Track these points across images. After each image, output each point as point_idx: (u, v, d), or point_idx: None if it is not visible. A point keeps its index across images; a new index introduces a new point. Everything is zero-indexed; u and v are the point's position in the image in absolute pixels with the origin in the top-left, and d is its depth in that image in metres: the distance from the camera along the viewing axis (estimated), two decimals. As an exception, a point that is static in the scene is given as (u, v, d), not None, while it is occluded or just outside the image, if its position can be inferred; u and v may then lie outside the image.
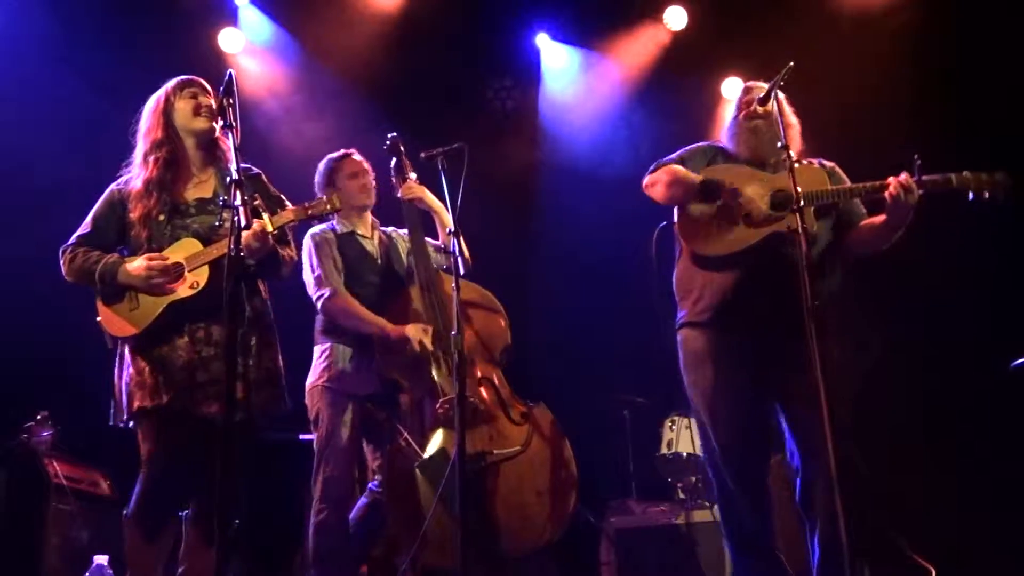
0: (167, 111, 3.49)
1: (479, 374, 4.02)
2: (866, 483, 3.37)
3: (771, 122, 3.45)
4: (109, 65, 5.77)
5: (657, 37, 6.84)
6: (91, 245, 3.44)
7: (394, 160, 4.32)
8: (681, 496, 5.32)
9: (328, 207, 3.40)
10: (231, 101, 3.08)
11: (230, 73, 3.12)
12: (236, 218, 2.88)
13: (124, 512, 3.39)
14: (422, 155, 3.94)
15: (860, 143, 3.67)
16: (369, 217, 4.38)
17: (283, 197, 3.57)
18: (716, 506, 3.73)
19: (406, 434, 3.96)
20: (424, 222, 4.36)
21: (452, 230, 3.73)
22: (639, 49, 6.88)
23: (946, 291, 5.46)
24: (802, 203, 3.12)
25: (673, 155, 3.75)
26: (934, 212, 3.49)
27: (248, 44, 6.64)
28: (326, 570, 4.00)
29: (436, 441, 3.90)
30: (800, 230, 3.08)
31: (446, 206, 3.89)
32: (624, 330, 6.13)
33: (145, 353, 3.34)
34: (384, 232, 4.41)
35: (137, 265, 3.33)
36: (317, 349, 4.21)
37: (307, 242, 4.21)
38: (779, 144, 3.27)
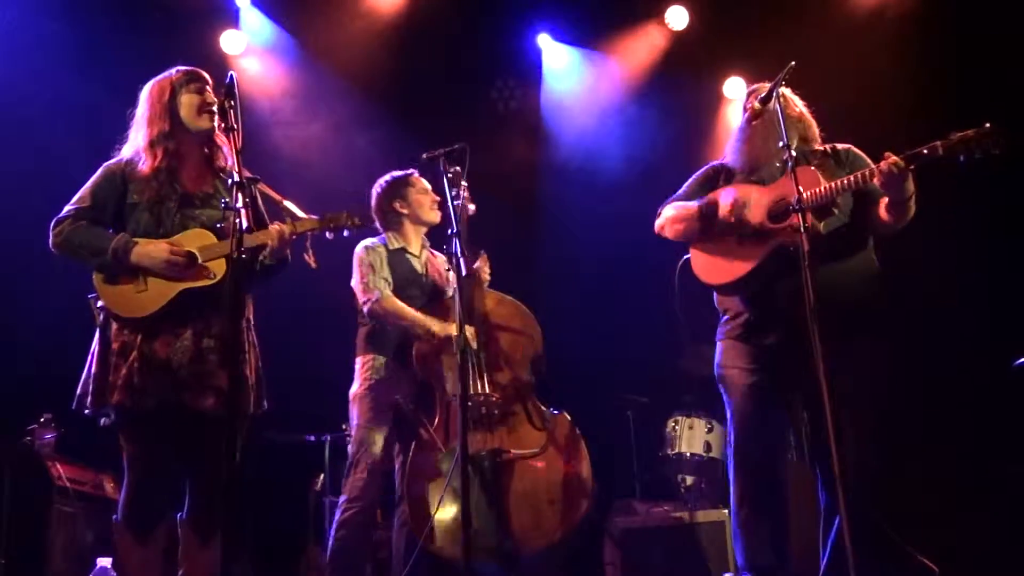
0: (172, 103, 3.43)
1: (509, 378, 4.17)
2: (879, 485, 3.38)
3: (768, 124, 3.45)
4: (111, 67, 5.77)
5: (659, 37, 6.85)
6: (88, 219, 3.35)
7: (451, 173, 4.34)
8: (685, 496, 5.31)
9: (349, 223, 3.48)
10: (233, 103, 3.08)
11: (231, 75, 3.12)
12: (237, 220, 2.88)
13: (113, 517, 3.36)
14: (424, 156, 3.95)
15: (862, 142, 3.66)
16: (422, 235, 4.53)
17: (286, 202, 3.51)
18: (726, 510, 3.75)
19: (430, 428, 4.08)
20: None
21: (455, 231, 3.76)
22: (641, 49, 6.89)
23: (947, 290, 5.46)
24: (802, 205, 3.13)
25: (678, 191, 3.82)
26: (935, 211, 3.49)
27: (250, 46, 6.64)
28: (342, 565, 4.12)
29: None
30: (802, 229, 3.09)
31: (450, 208, 3.92)
32: (627, 330, 6.14)
33: (142, 342, 3.26)
34: (432, 252, 4.55)
35: (159, 247, 3.28)
36: (359, 360, 4.38)
37: (358, 252, 4.38)
38: (780, 143, 3.28)
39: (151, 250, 3.28)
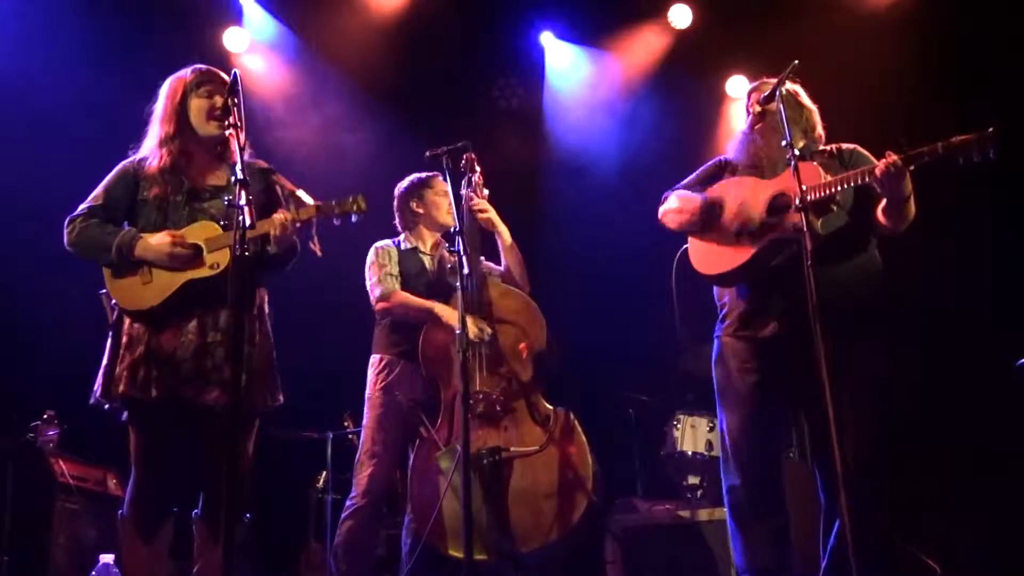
0: (183, 104, 3.46)
1: (512, 374, 4.14)
2: (880, 485, 3.38)
3: (772, 125, 3.45)
4: (114, 63, 5.78)
5: (661, 35, 6.84)
6: (100, 217, 3.41)
7: (469, 175, 4.39)
8: (687, 495, 5.32)
9: (354, 207, 3.38)
10: (236, 101, 3.08)
11: (235, 73, 3.12)
12: (240, 217, 2.88)
13: (119, 512, 3.38)
14: (427, 153, 3.96)
15: (863, 141, 3.66)
16: (437, 236, 4.55)
17: (299, 192, 3.51)
18: (726, 510, 3.75)
19: (429, 426, 4.09)
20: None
21: (457, 229, 3.77)
22: (643, 47, 6.88)
23: (948, 289, 5.46)
24: (806, 200, 3.13)
25: (683, 181, 3.82)
26: (935, 213, 3.48)
27: (253, 43, 6.65)
28: (349, 563, 4.15)
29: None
30: (804, 229, 3.09)
31: (455, 207, 3.94)
32: (629, 329, 6.14)
33: (149, 334, 3.29)
34: (445, 251, 4.52)
35: (160, 240, 3.30)
36: (374, 358, 4.42)
37: (370, 254, 4.47)
38: (783, 142, 3.28)
39: (154, 242, 3.31)
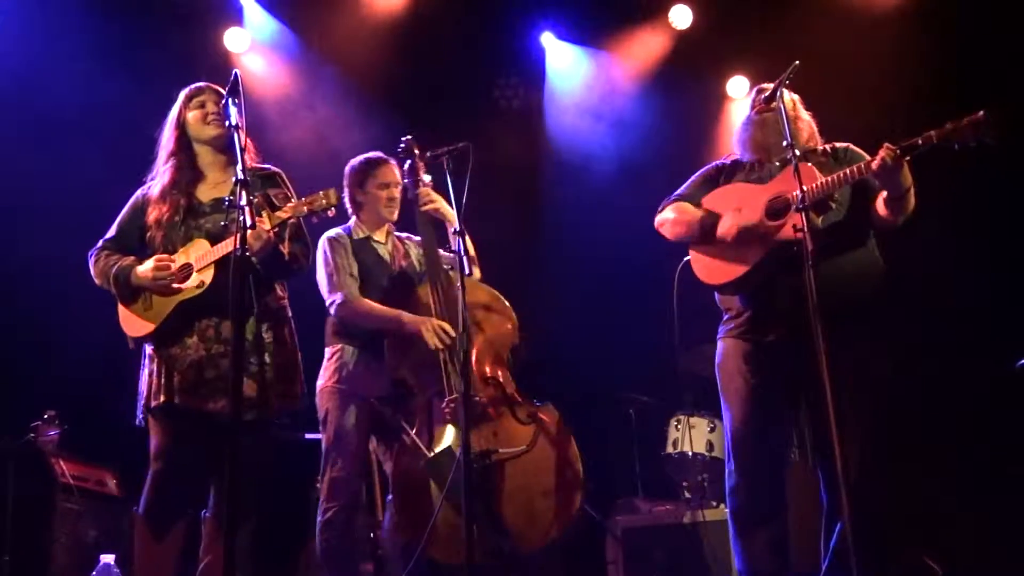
0: (179, 123, 3.59)
1: (487, 374, 4.04)
2: (882, 486, 3.38)
3: (777, 120, 3.45)
4: (114, 64, 5.78)
5: (662, 36, 6.84)
6: (114, 249, 3.55)
7: (408, 163, 4.26)
8: (687, 495, 5.32)
9: (325, 202, 3.35)
10: (237, 101, 3.09)
11: (236, 73, 3.13)
12: (241, 217, 2.89)
13: (135, 508, 3.46)
14: (428, 154, 3.95)
15: (865, 141, 3.66)
16: (387, 224, 4.35)
17: (293, 196, 3.56)
18: (727, 509, 3.74)
19: (412, 432, 3.96)
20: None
21: (458, 229, 3.74)
22: (644, 48, 6.88)
23: (948, 288, 5.45)
24: (806, 203, 3.13)
25: (680, 189, 3.80)
26: (935, 208, 3.48)
27: (253, 43, 6.65)
28: (332, 569, 4.05)
29: (443, 439, 3.92)
30: (804, 229, 3.09)
31: (453, 208, 3.90)
32: (630, 329, 6.13)
33: (158, 352, 3.43)
34: (398, 238, 4.41)
35: (146, 267, 3.42)
36: (327, 351, 4.22)
37: (322, 244, 4.19)
38: (784, 143, 3.28)
39: (141, 270, 3.43)
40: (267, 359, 3.45)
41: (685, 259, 3.78)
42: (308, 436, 5.88)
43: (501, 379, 4.05)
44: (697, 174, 3.83)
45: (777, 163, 3.58)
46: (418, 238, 4.36)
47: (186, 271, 3.39)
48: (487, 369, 4.05)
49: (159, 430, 3.41)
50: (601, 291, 6.41)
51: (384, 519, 4.26)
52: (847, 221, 3.50)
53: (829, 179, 3.35)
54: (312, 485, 6.00)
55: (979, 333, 5.36)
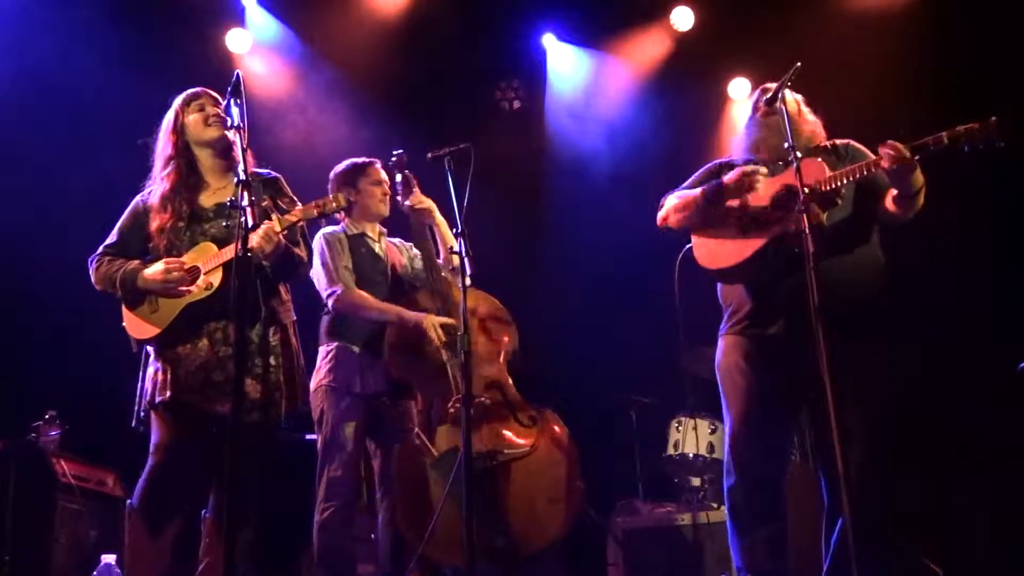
0: (177, 128, 3.57)
1: (489, 378, 4.09)
2: (883, 486, 3.38)
3: (780, 121, 3.45)
4: (116, 64, 5.79)
5: (664, 38, 6.84)
6: (116, 254, 3.54)
7: (400, 176, 4.32)
8: (688, 497, 5.32)
9: (335, 205, 3.44)
10: (239, 102, 3.10)
11: (237, 74, 3.13)
12: (243, 219, 2.89)
13: (128, 502, 3.43)
14: (429, 155, 3.95)
15: (867, 142, 3.66)
16: (378, 225, 4.43)
17: (296, 201, 3.58)
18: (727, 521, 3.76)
19: (419, 432, 4.01)
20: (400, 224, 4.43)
21: (459, 230, 3.75)
22: (645, 50, 6.89)
23: (949, 288, 5.46)
24: (808, 202, 3.14)
25: (685, 183, 3.81)
26: (938, 208, 3.48)
27: (255, 44, 6.65)
28: (329, 569, 4.04)
29: (445, 440, 3.93)
30: (806, 230, 3.09)
31: (454, 208, 3.92)
32: (631, 330, 6.14)
33: (164, 353, 3.42)
34: (390, 241, 4.47)
35: (154, 270, 3.41)
36: (322, 350, 4.23)
37: (318, 241, 4.23)
38: (786, 144, 3.28)
39: (148, 273, 3.42)
40: (272, 361, 3.45)
41: (687, 246, 3.76)
42: (308, 437, 5.89)
43: (503, 383, 4.10)
44: (700, 170, 3.83)
45: (781, 164, 3.58)
46: (409, 244, 4.42)
47: (194, 274, 3.39)
48: (489, 373, 4.09)
49: (162, 425, 3.39)
50: (602, 292, 6.41)
51: (378, 518, 4.24)
52: (851, 218, 3.49)
53: (838, 174, 3.35)
54: (311, 486, 6.01)
55: (980, 333, 5.36)
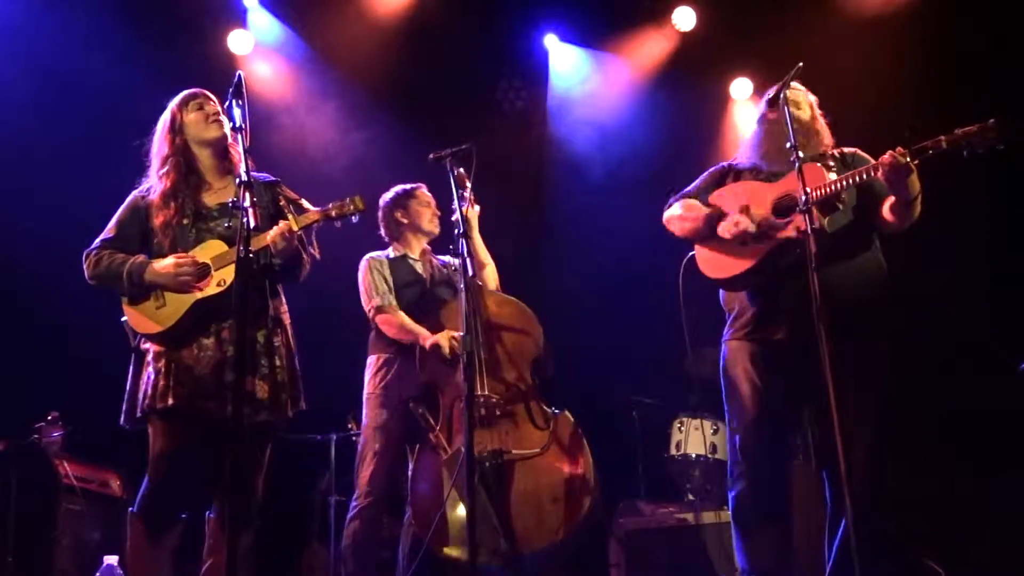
0: (175, 127, 3.54)
1: (510, 380, 4.18)
2: (886, 489, 3.38)
3: (782, 122, 3.45)
4: (117, 65, 5.79)
5: (665, 38, 6.84)
6: (114, 249, 3.49)
7: (461, 191, 4.34)
8: (690, 497, 5.31)
9: (352, 208, 3.44)
10: (240, 102, 3.10)
11: (239, 75, 3.13)
12: (245, 219, 2.89)
13: (130, 509, 3.42)
14: (430, 156, 3.97)
15: (870, 142, 3.66)
16: (424, 244, 4.67)
17: (302, 201, 3.57)
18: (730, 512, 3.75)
19: (438, 432, 4.11)
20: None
21: (461, 231, 3.78)
22: (647, 50, 6.88)
23: (951, 290, 5.45)
24: (809, 205, 3.14)
25: (689, 187, 3.81)
26: (937, 209, 3.48)
27: (257, 45, 6.65)
28: (356, 560, 4.20)
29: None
30: (808, 231, 3.10)
31: (456, 208, 3.96)
32: (633, 331, 6.13)
33: (168, 352, 3.37)
34: (434, 258, 4.66)
35: (166, 263, 3.37)
36: (370, 359, 4.52)
37: (362, 265, 4.56)
38: (788, 144, 3.29)
39: (160, 267, 3.38)
40: (278, 362, 3.45)
41: (690, 254, 3.77)
42: (309, 436, 5.90)
43: (523, 386, 4.18)
44: (705, 173, 3.84)
45: (786, 165, 3.58)
46: (451, 259, 4.57)
47: (204, 270, 3.37)
48: (510, 375, 4.18)
49: (162, 432, 3.36)
50: (604, 293, 6.41)
51: (404, 520, 4.39)
52: (853, 225, 3.50)
53: (837, 180, 3.36)
54: (315, 486, 6.02)
55: (980, 334, 5.35)
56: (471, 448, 3.45)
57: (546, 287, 6.40)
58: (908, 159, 3.23)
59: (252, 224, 2.89)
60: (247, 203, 2.91)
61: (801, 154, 3.26)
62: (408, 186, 4.67)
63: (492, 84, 7.03)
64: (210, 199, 3.53)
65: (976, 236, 5.51)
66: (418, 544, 4.06)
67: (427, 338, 4.23)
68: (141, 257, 3.43)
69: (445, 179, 3.95)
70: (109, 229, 3.55)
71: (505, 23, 6.83)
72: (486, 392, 4.08)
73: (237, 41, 6.58)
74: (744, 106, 6.87)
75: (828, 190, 3.34)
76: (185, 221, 3.46)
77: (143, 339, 3.46)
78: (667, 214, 3.80)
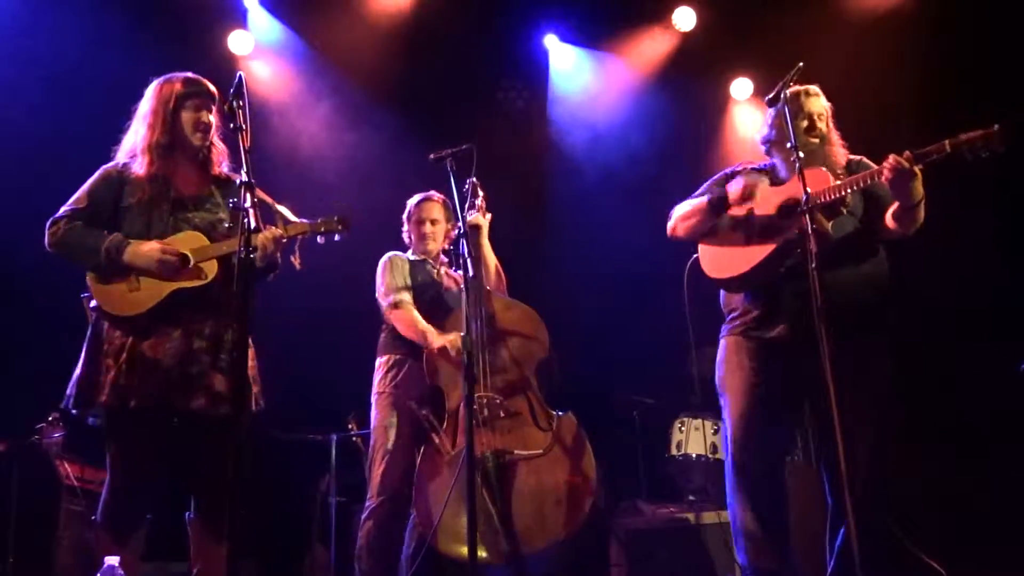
0: (173, 112, 3.49)
1: (515, 381, 4.20)
2: (886, 488, 3.38)
3: (782, 120, 3.46)
4: (117, 66, 5.79)
5: (666, 38, 6.84)
6: (84, 220, 3.39)
7: (473, 200, 4.43)
8: (691, 497, 5.31)
9: (338, 227, 3.50)
10: (241, 103, 3.09)
11: (239, 75, 3.13)
12: (246, 220, 2.89)
13: (92, 517, 3.37)
14: (431, 156, 3.97)
15: (870, 143, 3.66)
16: (438, 256, 4.66)
17: (278, 208, 3.54)
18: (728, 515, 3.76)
19: (439, 431, 4.13)
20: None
21: (462, 231, 3.78)
22: (648, 50, 6.89)
23: (952, 290, 5.45)
24: (811, 205, 3.15)
25: (694, 194, 3.82)
26: (937, 213, 3.49)
27: (257, 46, 6.66)
28: (371, 558, 4.20)
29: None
30: (809, 231, 3.10)
31: (457, 209, 3.98)
32: (634, 331, 6.14)
33: (133, 342, 3.29)
34: (450, 270, 4.66)
35: (151, 247, 3.32)
36: (379, 360, 4.51)
37: (382, 261, 4.56)
38: (788, 144, 3.29)
39: (144, 250, 3.32)
40: (249, 361, 3.35)
41: (694, 256, 3.78)
42: (309, 437, 5.90)
43: (528, 388, 4.21)
44: (709, 181, 3.85)
45: (787, 162, 3.59)
46: (460, 252, 4.52)
47: (184, 261, 3.33)
48: (515, 377, 4.21)
49: (123, 433, 3.29)
50: (604, 293, 6.41)
51: (409, 521, 4.36)
52: (858, 231, 3.51)
53: (842, 184, 3.37)
54: (316, 487, 6.02)
55: (981, 334, 5.35)
56: (471, 448, 3.46)
57: (546, 287, 6.40)
58: (913, 164, 3.24)
59: (253, 225, 2.90)
60: (248, 204, 2.91)
61: (802, 154, 3.27)
62: (418, 199, 4.66)
63: (492, 84, 7.04)
64: (187, 189, 3.50)
65: (977, 235, 5.51)
66: (422, 543, 4.06)
67: (433, 341, 4.24)
68: (120, 235, 3.36)
69: (447, 180, 3.95)
70: (79, 199, 3.44)
71: (505, 23, 6.84)
72: (490, 394, 4.09)
73: (237, 41, 6.58)
74: (744, 106, 6.88)
75: (833, 194, 3.35)
76: (165, 206, 3.42)
77: (99, 320, 3.37)
78: (671, 222, 3.80)
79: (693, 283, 3.89)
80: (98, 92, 5.76)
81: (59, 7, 5.88)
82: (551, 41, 6.97)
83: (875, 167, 3.54)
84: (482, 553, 3.69)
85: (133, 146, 3.51)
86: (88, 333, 3.42)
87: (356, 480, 4.76)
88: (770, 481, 3.54)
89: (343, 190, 6.16)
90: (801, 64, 3.31)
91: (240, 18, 6.62)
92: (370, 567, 4.20)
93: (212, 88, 3.56)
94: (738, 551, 3.58)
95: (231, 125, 3.11)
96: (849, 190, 3.36)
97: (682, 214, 3.75)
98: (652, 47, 6.88)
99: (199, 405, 3.27)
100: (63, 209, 3.43)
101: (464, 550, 3.53)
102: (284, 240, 3.41)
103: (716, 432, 5.41)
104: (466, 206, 4.28)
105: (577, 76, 7.05)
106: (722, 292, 3.78)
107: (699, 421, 5.46)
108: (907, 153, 3.26)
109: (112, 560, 3.98)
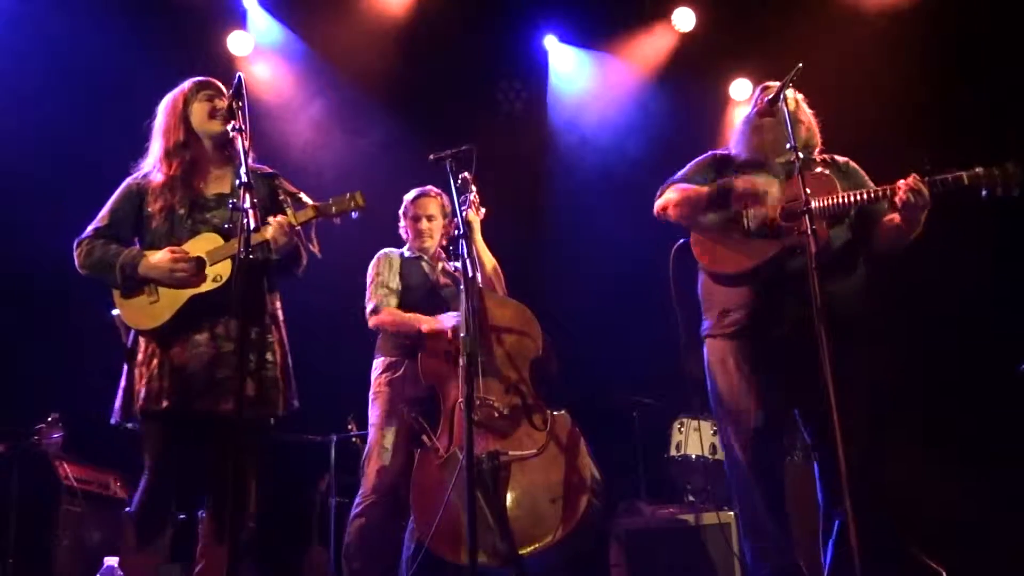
0: (185, 112, 3.50)
1: (510, 380, 4.18)
2: (884, 488, 3.38)
3: (779, 121, 3.45)
4: (117, 67, 5.79)
5: (665, 39, 6.84)
6: (107, 238, 3.43)
7: (467, 195, 4.41)
8: (690, 498, 5.31)
9: (352, 204, 3.40)
10: (240, 104, 3.10)
11: (239, 76, 3.13)
12: (245, 220, 2.89)
13: (125, 509, 3.41)
14: (431, 157, 3.96)
15: (871, 143, 3.67)
16: (435, 251, 4.61)
17: (302, 195, 3.55)
18: (732, 512, 3.75)
19: (431, 433, 4.12)
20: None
21: (461, 232, 3.77)
22: (647, 51, 6.89)
23: (952, 291, 5.45)
24: (811, 205, 3.15)
25: (677, 174, 3.79)
26: (937, 214, 3.49)
27: (257, 46, 6.66)
28: (359, 553, 4.19)
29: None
30: (809, 232, 3.10)
31: (457, 210, 3.97)
32: (633, 331, 6.13)
33: (161, 350, 3.32)
34: (446, 264, 4.62)
35: (160, 257, 3.33)
36: (376, 361, 4.51)
37: (373, 262, 4.53)
38: (788, 145, 3.29)
39: (155, 261, 3.33)
40: (269, 358, 3.41)
41: (681, 241, 3.74)
42: (308, 437, 5.90)
43: (523, 387, 4.18)
44: (694, 161, 3.83)
45: (780, 163, 3.58)
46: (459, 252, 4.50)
47: (199, 264, 3.33)
48: (510, 376, 4.18)
49: (157, 434, 3.33)
50: (604, 293, 6.41)
51: (408, 524, 4.35)
52: (850, 240, 3.51)
53: (850, 196, 3.37)
54: (316, 488, 6.02)
55: (981, 336, 5.35)
56: (471, 449, 3.44)
57: (546, 287, 6.40)
58: (928, 193, 3.23)
59: (252, 226, 2.89)
60: (247, 204, 2.91)
61: (802, 155, 3.27)
62: (414, 193, 4.60)
63: (492, 84, 7.04)
64: (209, 188, 3.50)
65: (978, 235, 5.50)
66: (421, 545, 4.05)
67: (425, 322, 4.21)
68: (135, 249, 3.39)
69: (447, 181, 3.94)
70: (102, 217, 3.48)
71: (505, 24, 6.84)
72: (484, 395, 4.07)
73: (237, 42, 6.58)
74: (744, 106, 6.87)
75: (841, 205, 3.35)
76: (183, 210, 3.41)
77: (135, 334, 3.41)
78: (660, 201, 3.76)
79: (680, 271, 3.86)
80: (98, 92, 5.78)
81: (58, 8, 5.87)
82: (550, 42, 6.97)
83: (863, 173, 3.54)
84: (480, 555, 3.68)
85: (154, 156, 3.54)
86: (127, 351, 3.44)
87: (356, 481, 4.75)
88: (770, 479, 3.54)
89: (342, 190, 6.13)
90: (800, 65, 3.31)
91: (239, 19, 6.62)
92: (362, 566, 4.17)
93: (221, 85, 3.56)
94: (745, 549, 3.58)
95: (230, 121, 3.11)
96: (854, 199, 3.36)
97: (676, 199, 3.70)
98: (651, 48, 6.88)
99: (228, 409, 3.26)
100: (88, 229, 3.48)
101: (462, 553, 3.52)
102: (296, 228, 3.36)
103: (715, 433, 5.41)
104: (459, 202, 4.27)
105: (576, 77, 7.05)
106: (701, 282, 3.73)
107: (698, 422, 5.46)
108: (914, 177, 3.25)
109: (112, 560, 4.00)
